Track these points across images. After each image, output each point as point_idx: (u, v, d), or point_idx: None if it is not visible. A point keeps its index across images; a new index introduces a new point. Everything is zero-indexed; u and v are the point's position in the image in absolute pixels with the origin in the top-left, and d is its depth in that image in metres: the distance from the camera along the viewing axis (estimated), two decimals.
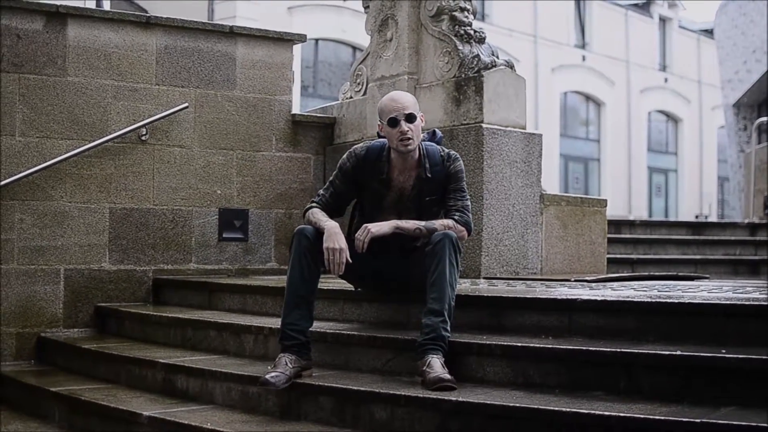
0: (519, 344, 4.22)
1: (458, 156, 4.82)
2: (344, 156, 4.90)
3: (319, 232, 4.61)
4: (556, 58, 33.97)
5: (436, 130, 5.08)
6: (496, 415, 3.76)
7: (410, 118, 4.65)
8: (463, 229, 4.71)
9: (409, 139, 4.65)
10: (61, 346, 6.55)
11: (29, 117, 6.77)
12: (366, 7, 7.77)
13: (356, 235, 4.63)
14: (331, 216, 4.73)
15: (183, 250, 7.30)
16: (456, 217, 4.73)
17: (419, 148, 4.75)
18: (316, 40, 25.53)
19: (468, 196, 4.82)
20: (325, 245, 4.52)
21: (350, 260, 4.54)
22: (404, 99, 4.73)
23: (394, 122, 4.65)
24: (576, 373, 3.99)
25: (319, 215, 4.69)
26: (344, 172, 4.82)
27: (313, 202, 4.85)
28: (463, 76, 6.85)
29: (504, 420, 3.74)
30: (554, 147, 32.22)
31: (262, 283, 6.39)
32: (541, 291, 5.01)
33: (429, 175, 4.75)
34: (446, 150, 4.83)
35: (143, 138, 7.13)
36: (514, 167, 6.70)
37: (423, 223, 4.68)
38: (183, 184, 7.31)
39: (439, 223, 4.68)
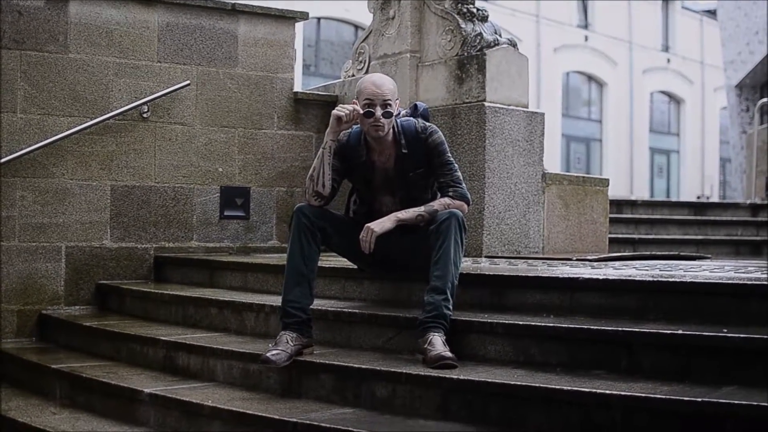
0: (520, 323, 4.22)
1: (435, 129, 4.78)
2: None
3: (319, 210, 4.64)
4: (558, 38, 33.87)
5: (418, 103, 5.05)
6: (497, 393, 3.76)
7: (387, 112, 4.62)
8: (461, 203, 4.70)
9: (380, 126, 4.64)
10: (62, 323, 6.55)
11: (30, 94, 6.75)
12: None
13: (360, 237, 4.61)
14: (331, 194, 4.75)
15: (184, 228, 7.30)
16: (450, 194, 4.72)
17: (394, 126, 4.74)
18: (318, 18, 25.45)
19: (456, 167, 4.79)
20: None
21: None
22: (385, 87, 4.66)
23: (369, 114, 4.62)
24: (577, 352, 3.99)
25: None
26: (334, 153, 4.80)
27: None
28: (465, 54, 6.83)
29: (505, 398, 3.74)
30: (556, 127, 32.15)
31: (263, 261, 6.40)
32: (542, 270, 5.01)
33: (406, 151, 4.73)
34: (422, 123, 4.80)
35: (145, 115, 7.11)
36: (516, 146, 6.69)
37: (423, 208, 4.67)
38: (184, 162, 7.30)
39: (438, 204, 4.68)
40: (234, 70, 7.51)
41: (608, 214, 7.49)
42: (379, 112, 4.61)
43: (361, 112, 4.63)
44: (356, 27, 26.10)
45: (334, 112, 4.69)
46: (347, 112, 4.64)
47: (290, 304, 4.50)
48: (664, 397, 3.35)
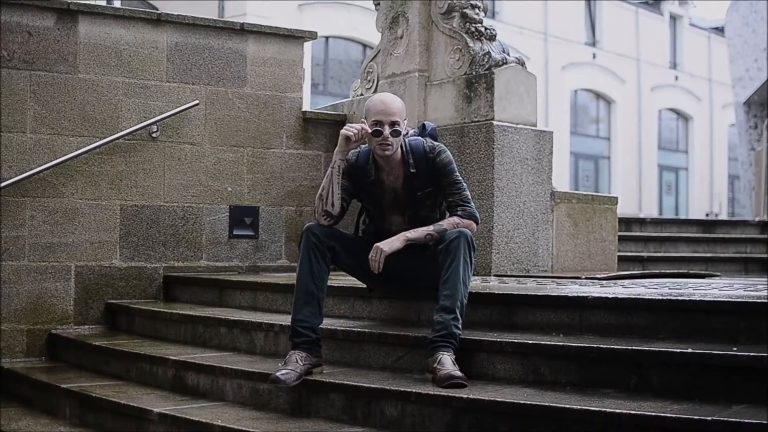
0: (530, 342, 4.22)
1: (443, 148, 4.78)
2: None
3: (328, 229, 4.65)
4: (566, 56, 33.91)
5: (426, 122, 5.06)
6: (507, 413, 3.75)
7: (395, 132, 4.63)
8: (471, 222, 4.71)
9: (388, 145, 4.65)
10: (72, 342, 6.56)
11: (40, 114, 6.78)
12: (377, 5, 7.77)
13: (369, 256, 4.63)
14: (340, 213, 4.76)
15: (193, 247, 7.31)
16: (459, 213, 4.73)
17: (402, 145, 4.75)
18: (327, 37, 25.53)
19: (465, 186, 4.79)
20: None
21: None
22: (393, 106, 4.67)
23: (377, 133, 4.63)
24: (587, 371, 3.98)
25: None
26: (343, 172, 4.81)
27: None
28: (473, 73, 6.85)
29: (515, 417, 3.74)
30: (564, 145, 32.17)
31: (272, 280, 6.40)
32: (551, 288, 5.01)
33: (414, 171, 4.74)
34: (430, 143, 4.80)
35: (154, 135, 7.14)
36: (524, 164, 6.69)
37: (432, 227, 4.68)
38: (194, 182, 7.32)
39: (447, 223, 4.68)
40: (243, 89, 7.54)
41: (617, 232, 7.48)
42: (387, 131, 4.62)
43: (370, 131, 4.64)
44: (364, 46, 26.18)
45: (343, 131, 4.70)
46: (356, 131, 4.65)
47: (300, 323, 4.50)
48: (674, 415, 3.34)
